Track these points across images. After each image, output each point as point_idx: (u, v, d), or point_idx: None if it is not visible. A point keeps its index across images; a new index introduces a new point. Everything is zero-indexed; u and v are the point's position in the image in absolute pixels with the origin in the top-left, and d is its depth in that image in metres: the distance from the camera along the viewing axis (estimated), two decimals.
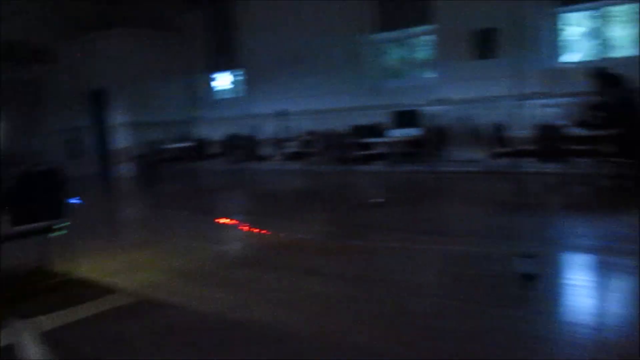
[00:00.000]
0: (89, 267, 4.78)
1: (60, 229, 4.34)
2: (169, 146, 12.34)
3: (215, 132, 12.67)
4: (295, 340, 2.95)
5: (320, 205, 7.82)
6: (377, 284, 3.87)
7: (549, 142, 6.78)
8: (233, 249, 5.62)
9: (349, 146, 8.06)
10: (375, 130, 8.71)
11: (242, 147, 10.14)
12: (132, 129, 13.23)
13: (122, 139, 13.44)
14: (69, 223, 4.46)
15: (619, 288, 3.58)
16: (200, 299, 3.76)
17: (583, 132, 6.74)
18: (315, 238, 5.46)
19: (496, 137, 8.04)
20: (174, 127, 13.61)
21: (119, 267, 4.81)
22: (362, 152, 8.42)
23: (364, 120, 9.96)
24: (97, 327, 3.36)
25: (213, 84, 14.56)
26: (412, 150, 8.61)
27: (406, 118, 9.08)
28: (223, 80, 14.47)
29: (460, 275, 3.96)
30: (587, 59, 8.64)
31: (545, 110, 8.61)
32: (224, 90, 14.53)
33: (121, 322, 3.41)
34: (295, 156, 9.94)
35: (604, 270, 3.97)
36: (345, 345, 2.83)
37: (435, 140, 8.22)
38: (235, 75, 14.11)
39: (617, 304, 3.21)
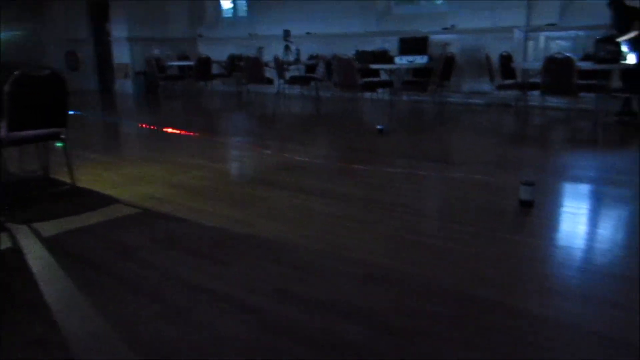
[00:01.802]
0: (91, 178, 4.82)
1: (63, 138, 4.30)
2: (171, 64, 12.14)
3: (218, 52, 12.42)
4: (297, 252, 3.01)
5: (323, 129, 7.78)
6: (382, 206, 3.91)
7: (556, 75, 6.67)
8: (237, 167, 5.63)
9: (353, 72, 7.91)
10: (381, 56, 8.53)
11: (244, 68, 9.96)
12: (134, 44, 12.95)
13: (123, 54, 13.19)
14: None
15: (612, 215, 3.72)
16: (204, 214, 3.80)
17: (592, 66, 6.62)
18: (319, 161, 5.46)
19: (503, 69, 7.92)
20: (176, 45, 13.33)
21: (121, 180, 4.84)
22: (367, 79, 8.28)
23: (370, 46, 9.75)
24: (100, 234, 3.41)
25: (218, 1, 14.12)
26: (418, 79, 8.48)
27: (414, 46, 8.88)
28: None
29: (461, 201, 4.01)
30: None
31: (556, 43, 8.44)
32: (228, 9, 14.13)
33: (125, 231, 3.46)
34: (299, 80, 9.80)
35: (599, 199, 4.09)
36: (347, 260, 2.89)
37: (442, 69, 8.07)
38: None
39: (609, 229, 3.29)
